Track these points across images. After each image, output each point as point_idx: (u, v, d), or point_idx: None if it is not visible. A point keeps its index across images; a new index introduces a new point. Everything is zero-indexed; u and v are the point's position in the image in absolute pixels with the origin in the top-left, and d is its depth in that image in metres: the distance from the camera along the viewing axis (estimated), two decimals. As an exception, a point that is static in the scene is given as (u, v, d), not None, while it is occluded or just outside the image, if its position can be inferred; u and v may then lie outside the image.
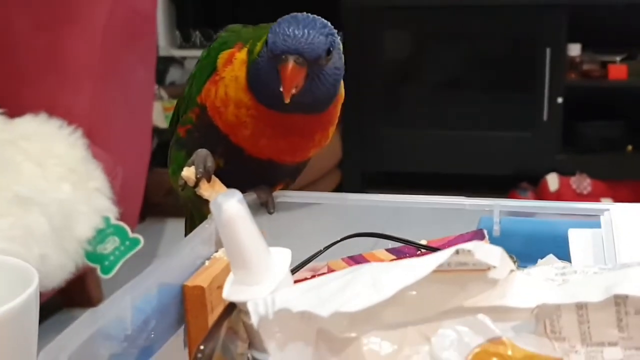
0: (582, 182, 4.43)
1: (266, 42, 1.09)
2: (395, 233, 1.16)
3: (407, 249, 1.15)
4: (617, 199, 4.35)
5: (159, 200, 4.18)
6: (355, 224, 1.20)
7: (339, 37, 1.13)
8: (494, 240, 1.15)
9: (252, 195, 1.21)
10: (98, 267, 3.09)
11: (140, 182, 3.75)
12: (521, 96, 4.56)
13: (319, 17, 1.11)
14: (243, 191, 1.16)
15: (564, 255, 1.09)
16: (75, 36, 3.42)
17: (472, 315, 0.72)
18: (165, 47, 5.27)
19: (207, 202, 1.32)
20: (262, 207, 1.21)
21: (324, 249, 1.09)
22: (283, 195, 1.25)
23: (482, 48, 4.63)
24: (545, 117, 4.47)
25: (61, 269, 2.86)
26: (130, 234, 3.19)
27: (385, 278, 0.68)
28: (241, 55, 1.18)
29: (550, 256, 1.07)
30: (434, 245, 1.14)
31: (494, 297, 0.72)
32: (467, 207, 1.16)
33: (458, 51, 4.68)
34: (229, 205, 0.78)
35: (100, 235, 3.10)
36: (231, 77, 1.17)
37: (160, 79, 4.99)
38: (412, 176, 4.59)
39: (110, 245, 3.13)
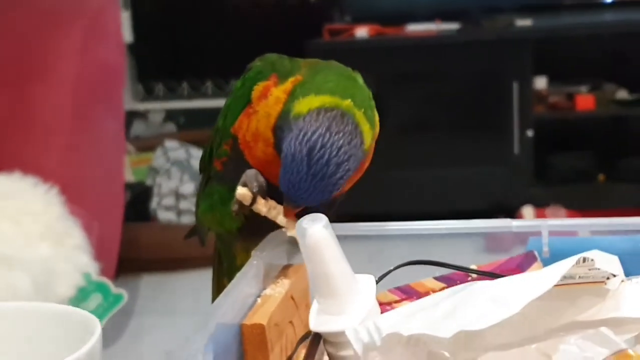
0: (557, 213, 4.43)
1: (295, 129, 1.04)
2: (440, 260, 1.12)
3: (456, 275, 1.11)
4: (593, 228, 4.35)
5: (132, 255, 4.09)
6: (397, 254, 1.16)
7: (358, 147, 1.06)
8: (544, 262, 1.11)
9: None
10: (82, 326, 3.01)
11: (116, 236, 3.68)
12: (491, 131, 4.56)
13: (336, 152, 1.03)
14: (278, 226, 1.13)
15: (621, 272, 1.05)
16: (45, 92, 3.37)
17: (590, 329, 0.68)
18: (128, 101, 5.21)
19: (236, 241, 1.28)
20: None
21: (378, 279, 1.04)
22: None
23: (449, 86, 4.63)
24: (516, 150, 4.47)
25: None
26: (113, 290, 3.12)
27: (507, 294, 0.64)
28: (277, 92, 1.12)
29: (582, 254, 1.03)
30: (484, 269, 1.10)
31: (607, 310, 0.69)
32: (514, 229, 1.13)
33: (425, 90, 4.68)
34: (315, 230, 0.74)
35: (82, 293, 3.02)
36: (264, 113, 1.12)
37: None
38: (387, 218, 4.54)
39: (93, 302, 3.06)
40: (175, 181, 4.63)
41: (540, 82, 4.55)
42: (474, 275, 1.09)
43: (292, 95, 1.10)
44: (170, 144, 4.87)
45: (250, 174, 1.12)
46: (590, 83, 4.60)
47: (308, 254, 0.75)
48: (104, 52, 3.60)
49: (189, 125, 5.35)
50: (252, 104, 1.15)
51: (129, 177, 4.65)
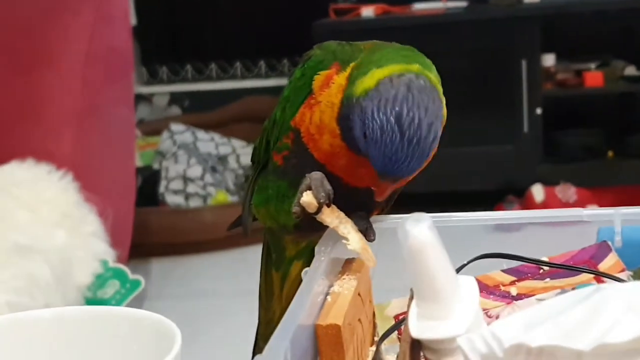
0: (567, 191, 4.41)
1: (363, 103, 1.00)
2: (508, 251, 1.09)
3: (526, 268, 1.08)
4: (603, 205, 4.31)
5: (142, 240, 4.05)
6: (463, 245, 1.13)
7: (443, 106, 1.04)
8: (617, 252, 1.08)
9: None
10: (99, 314, 2.98)
11: (129, 221, 3.65)
12: (500, 110, 4.54)
13: (432, 97, 1.00)
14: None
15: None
16: (54, 79, 3.33)
17: None
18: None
19: (288, 233, 1.25)
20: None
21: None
22: (379, 221, 1.17)
23: (457, 65, 4.58)
24: (525, 128, 4.45)
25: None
26: (130, 276, 3.10)
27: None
28: (339, 79, 1.08)
29: None
30: (556, 262, 1.07)
31: None
32: (584, 219, 1.10)
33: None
34: (419, 231, 0.71)
35: (100, 280, 3.00)
36: (327, 103, 1.08)
37: (129, 116, 4.89)
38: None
39: (111, 289, 3.04)
40: (182, 165, 4.60)
41: (549, 60, 4.52)
42: (546, 268, 1.06)
43: (350, 79, 1.06)
44: (176, 127, 4.83)
45: (316, 178, 1.08)
46: (598, 60, 4.58)
47: (411, 257, 0.72)
48: (112, 36, 3.56)
49: (193, 108, 5.32)
50: (313, 94, 1.11)
51: (137, 161, 4.62)
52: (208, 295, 3.85)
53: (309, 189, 1.06)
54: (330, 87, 1.08)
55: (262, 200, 1.23)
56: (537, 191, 4.41)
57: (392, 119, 0.97)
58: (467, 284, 0.75)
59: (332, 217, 1.06)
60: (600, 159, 4.55)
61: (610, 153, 4.55)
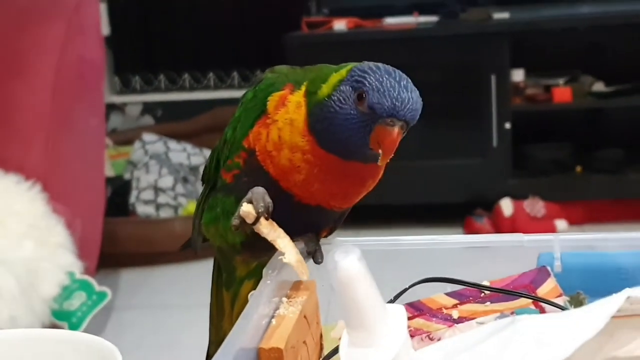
0: (536, 205, 4.45)
1: (342, 87, 1.07)
2: (451, 275, 1.12)
3: (468, 292, 1.11)
4: (571, 219, 4.39)
5: (112, 250, 4.06)
6: (409, 268, 1.16)
7: None
8: (557, 277, 1.11)
9: (300, 244, 1.16)
10: (65, 325, 3.00)
11: (97, 233, 3.66)
12: (470, 123, 4.57)
13: None
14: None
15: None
16: (25, 89, 3.34)
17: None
18: (104, 94, 5.16)
19: (237, 252, 1.27)
20: (309, 256, 1.16)
21: (394, 298, 1.04)
22: (328, 243, 1.20)
23: (428, 79, 4.61)
24: (494, 143, 4.48)
25: (30, 330, 2.76)
26: (97, 288, 3.10)
27: (554, 336, 0.63)
28: (295, 97, 1.12)
29: (627, 290, 1.03)
30: (497, 286, 1.10)
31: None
32: (525, 244, 1.13)
33: (404, 82, 4.65)
34: (349, 263, 0.73)
35: (66, 292, 3.01)
36: (285, 121, 1.12)
37: (102, 126, 4.89)
38: (364, 209, 4.53)
39: (77, 301, 3.04)
40: (153, 175, 4.61)
41: (518, 75, 4.56)
42: (487, 292, 1.09)
43: (309, 95, 1.11)
44: (148, 137, 4.84)
45: (257, 192, 1.11)
46: (567, 75, 4.62)
47: (340, 287, 0.74)
48: (83, 47, 3.57)
49: (166, 118, 5.33)
50: (268, 114, 1.14)
51: (108, 171, 4.62)
52: (177, 306, 3.86)
53: (250, 202, 1.10)
54: (286, 106, 1.12)
55: (211, 219, 1.26)
56: (506, 205, 4.44)
57: (384, 73, 1.06)
58: (396, 312, 0.77)
59: (270, 229, 1.09)
60: (569, 174, 4.60)
61: (578, 168, 4.60)
